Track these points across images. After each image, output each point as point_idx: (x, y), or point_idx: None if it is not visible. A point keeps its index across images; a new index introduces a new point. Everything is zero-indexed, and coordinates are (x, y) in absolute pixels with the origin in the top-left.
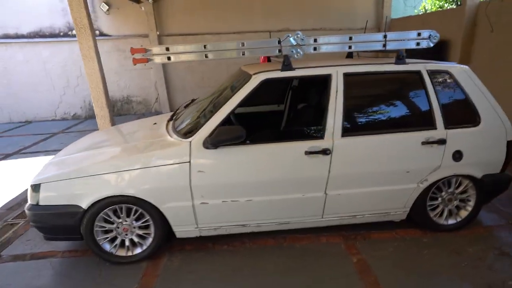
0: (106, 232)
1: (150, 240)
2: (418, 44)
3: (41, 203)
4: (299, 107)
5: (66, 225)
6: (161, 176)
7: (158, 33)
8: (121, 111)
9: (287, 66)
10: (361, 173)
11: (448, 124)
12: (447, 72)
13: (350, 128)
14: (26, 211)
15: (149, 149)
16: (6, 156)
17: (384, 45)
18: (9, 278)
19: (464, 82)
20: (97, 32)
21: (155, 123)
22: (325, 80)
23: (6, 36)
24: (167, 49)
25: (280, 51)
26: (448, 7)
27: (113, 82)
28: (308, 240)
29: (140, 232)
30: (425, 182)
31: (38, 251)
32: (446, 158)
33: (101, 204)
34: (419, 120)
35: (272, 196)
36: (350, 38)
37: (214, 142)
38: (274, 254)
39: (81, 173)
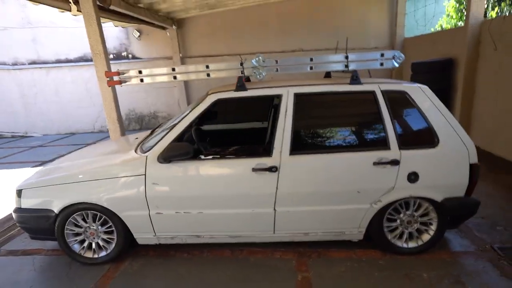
0: (76, 234)
1: (113, 244)
2: (382, 64)
3: (22, 206)
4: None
5: (42, 227)
6: (120, 187)
7: (181, 55)
8: (149, 125)
9: (240, 87)
10: (310, 192)
11: (403, 145)
12: (402, 92)
13: (299, 147)
14: (12, 213)
15: (112, 162)
16: (42, 163)
17: (346, 66)
18: None
19: (421, 102)
20: (130, 55)
21: (136, 138)
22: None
23: (59, 61)
24: (140, 72)
25: (242, 72)
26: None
27: (142, 99)
28: (263, 254)
29: (105, 236)
30: (379, 203)
31: (29, 248)
32: (400, 180)
33: (69, 210)
34: (372, 140)
35: (222, 210)
36: (311, 59)
37: (164, 157)
38: (226, 265)
39: (54, 182)
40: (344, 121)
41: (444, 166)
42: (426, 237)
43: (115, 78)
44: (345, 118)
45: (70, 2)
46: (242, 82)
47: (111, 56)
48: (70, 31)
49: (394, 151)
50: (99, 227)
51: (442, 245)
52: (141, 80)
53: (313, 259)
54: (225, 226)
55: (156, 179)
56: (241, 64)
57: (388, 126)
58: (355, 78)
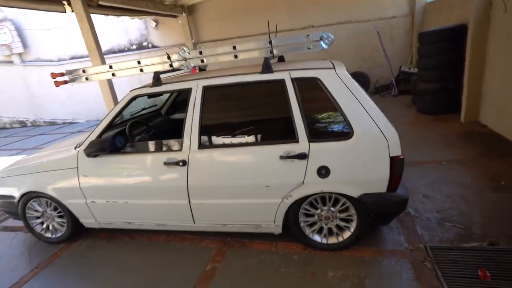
0: (37, 217)
1: (65, 227)
2: (309, 48)
3: None
4: None
5: (11, 210)
6: (60, 178)
7: (193, 41)
8: None
9: (156, 81)
10: (220, 185)
11: (313, 137)
12: (314, 79)
13: (208, 141)
14: None
15: (56, 157)
16: None
17: (271, 52)
18: None
19: (334, 89)
20: (150, 45)
21: None
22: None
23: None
24: (83, 71)
25: (171, 65)
26: None
27: None
28: (192, 242)
29: (59, 220)
30: (290, 198)
31: (17, 225)
32: (310, 174)
33: (26, 197)
34: (280, 132)
35: (143, 201)
36: (234, 48)
37: (86, 152)
38: (154, 249)
39: (14, 173)
40: (253, 113)
41: (359, 160)
42: (347, 234)
43: (60, 79)
44: (254, 110)
45: (64, 4)
46: (158, 77)
47: (134, 46)
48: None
49: (302, 144)
50: (53, 212)
51: (371, 242)
52: (87, 79)
53: (233, 249)
54: (149, 215)
55: (85, 172)
56: (168, 57)
57: (296, 117)
58: (266, 66)
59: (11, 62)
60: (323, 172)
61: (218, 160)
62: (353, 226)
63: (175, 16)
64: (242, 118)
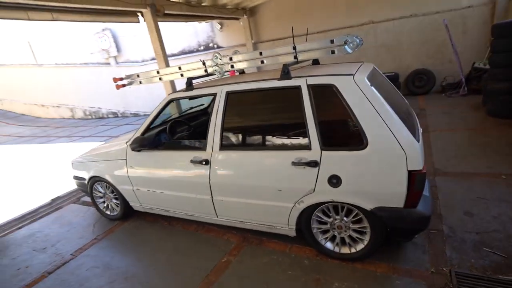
0: (100, 197)
1: (119, 208)
2: (333, 52)
3: (73, 174)
4: None
5: (84, 189)
6: (115, 167)
7: (253, 41)
8: None
9: (189, 86)
10: (237, 184)
11: (326, 145)
12: (330, 86)
13: (228, 143)
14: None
15: (113, 149)
16: None
17: (295, 57)
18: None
19: (350, 97)
20: (215, 46)
21: None
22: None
23: (168, 56)
24: (138, 75)
25: (205, 71)
26: None
27: None
28: (216, 233)
29: (114, 201)
30: (302, 203)
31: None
32: (321, 182)
33: (92, 180)
34: (294, 139)
35: (175, 192)
36: (260, 54)
37: (131, 147)
38: (184, 237)
39: (86, 159)
40: (271, 118)
41: (373, 171)
42: (360, 246)
43: (120, 82)
44: (272, 115)
45: (138, 16)
46: (190, 82)
47: (202, 47)
48: (173, 31)
49: (314, 152)
50: (110, 194)
51: (389, 256)
52: (140, 82)
53: (251, 246)
54: (180, 206)
55: (132, 163)
56: (203, 64)
57: (310, 124)
58: (285, 72)
59: (109, 63)
60: (334, 181)
61: (236, 161)
62: (366, 238)
63: (237, 19)
64: (261, 122)
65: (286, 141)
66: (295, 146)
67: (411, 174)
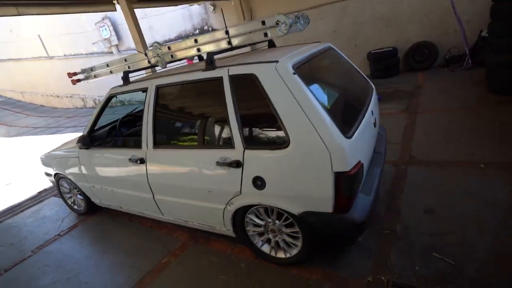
0: (67, 193)
1: (83, 204)
2: (266, 34)
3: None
4: None
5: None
6: (72, 164)
7: (245, 21)
8: None
9: (125, 81)
10: (171, 184)
11: (249, 144)
12: (251, 76)
13: (160, 140)
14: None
15: (71, 144)
16: None
17: (229, 43)
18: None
19: (270, 89)
20: (210, 28)
21: None
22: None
23: (165, 41)
24: (91, 69)
25: (149, 62)
26: None
27: None
28: (167, 230)
29: (79, 197)
30: (232, 205)
31: None
32: (246, 184)
33: (57, 177)
34: (219, 136)
35: (123, 190)
36: (195, 41)
37: (78, 146)
38: (137, 233)
39: (52, 155)
40: (198, 113)
41: (296, 173)
42: (294, 251)
43: (75, 77)
44: (199, 110)
45: (114, 3)
46: (126, 76)
47: (197, 31)
48: (169, 15)
49: (238, 151)
50: (74, 190)
51: (328, 262)
52: (95, 76)
53: (196, 245)
54: (130, 203)
55: (83, 161)
56: (145, 54)
57: (232, 120)
58: (209, 62)
59: (112, 52)
60: (259, 183)
61: (168, 160)
62: (299, 244)
63: None
64: (189, 118)
65: (212, 139)
66: (220, 145)
67: (338, 176)
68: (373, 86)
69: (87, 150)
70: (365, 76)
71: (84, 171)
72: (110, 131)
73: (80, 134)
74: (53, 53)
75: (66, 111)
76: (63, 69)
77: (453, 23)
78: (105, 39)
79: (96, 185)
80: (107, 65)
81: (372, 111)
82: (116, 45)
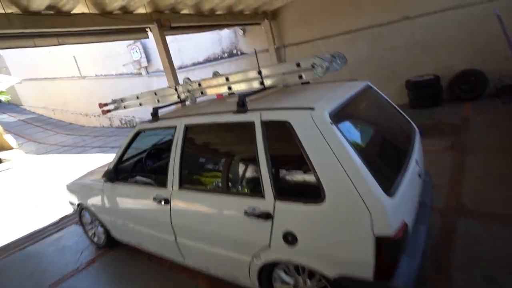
0: (90, 223)
1: (103, 237)
2: (301, 76)
3: (67, 198)
4: None
5: (76, 213)
6: (96, 196)
7: (275, 46)
8: None
9: (154, 117)
10: (195, 228)
11: (280, 195)
12: (284, 123)
13: (187, 181)
14: None
15: (95, 177)
16: None
17: (262, 83)
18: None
19: (306, 139)
20: (239, 52)
21: None
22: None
23: (193, 64)
24: (122, 100)
25: (178, 97)
26: None
27: None
28: (187, 275)
29: (100, 229)
30: (259, 259)
31: None
32: (276, 238)
33: (79, 207)
34: (249, 184)
35: (145, 229)
36: (227, 79)
37: (103, 179)
38: (156, 275)
39: (77, 184)
40: (227, 157)
41: (333, 231)
42: None
43: (105, 108)
44: (227, 154)
45: (147, 31)
46: (155, 112)
47: (226, 55)
48: (199, 39)
49: (268, 202)
50: (96, 221)
51: None
52: (124, 107)
53: None
54: (151, 243)
55: (107, 194)
56: (176, 89)
57: (263, 167)
58: (240, 104)
59: (141, 74)
60: (290, 238)
61: (193, 203)
62: None
63: (258, 24)
64: (218, 161)
65: (240, 185)
66: (249, 193)
67: (379, 240)
68: (417, 129)
69: (112, 184)
70: (407, 117)
71: (106, 204)
72: (136, 164)
73: (105, 155)
74: (86, 73)
75: (93, 130)
76: (93, 88)
77: (504, 49)
78: (135, 61)
79: (117, 220)
80: (137, 97)
81: (416, 161)
82: (146, 67)
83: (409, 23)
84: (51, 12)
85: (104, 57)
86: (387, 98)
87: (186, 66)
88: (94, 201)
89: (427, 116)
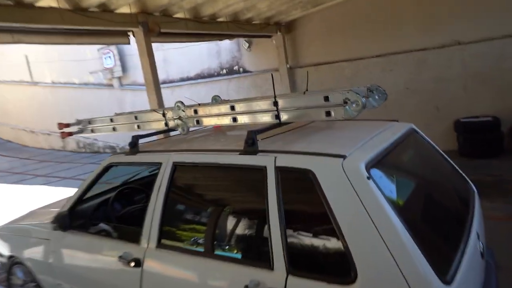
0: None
1: None
2: (328, 113)
3: None
4: None
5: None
6: (34, 247)
7: (288, 66)
8: None
9: (133, 147)
10: None
11: (294, 267)
12: (306, 172)
13: (169, 238)
14: None
15: (38, 220)
16: None
17: (277, 117)
18: None
19: (333, 196)
20: (241, 69)
21: None
22: None
23: (182, 79)
24: (89, 122)
25: (166, 125)
26: None
27: None
28: None
29: None
30: None
31: None
32: None
33: (10, 261)
34: (253, 249)
35: None
36: (232, 108)
37: (52, 226)
38: None
39: (11, 229)
40: (225, 210)
41: None
42: None
43: (66, 129)
44: (227, 206)
45: (129, 36)
46: (135, 142)
47: (224, 71)
48: (190, 48)
49: (277, 275)
50: (31, 284)
51: None
52: (92, 131)
53: None
54: None
55: (57, 247)
56: (163, 115)
57: (274, 228)
58: (249, 143)
59: (112, 85)
60: None
61: (174, 268)
62: None
63: (268, 36)
64: (213, 215)
65: (242, 249)
66: (253, 262)
67: None
68: (475, 189)
69: (64, 232)
70: (462, 173)
71: (51, 260)
72: (99, 206)
73: (51, 189)
74: (39, 79)
75: (39, 152)
76: (47, 98)
77: None
78: (107, 69)
79: (64, 284)
80: (111, 120)
81: (478, 234)
82: (119, 77)
83: (461, 49)
84: (9, 2)
85: (66, 61)
86: (436, 146)
87: (172, 81)
88: (33, 254)
89: (483, 169)
